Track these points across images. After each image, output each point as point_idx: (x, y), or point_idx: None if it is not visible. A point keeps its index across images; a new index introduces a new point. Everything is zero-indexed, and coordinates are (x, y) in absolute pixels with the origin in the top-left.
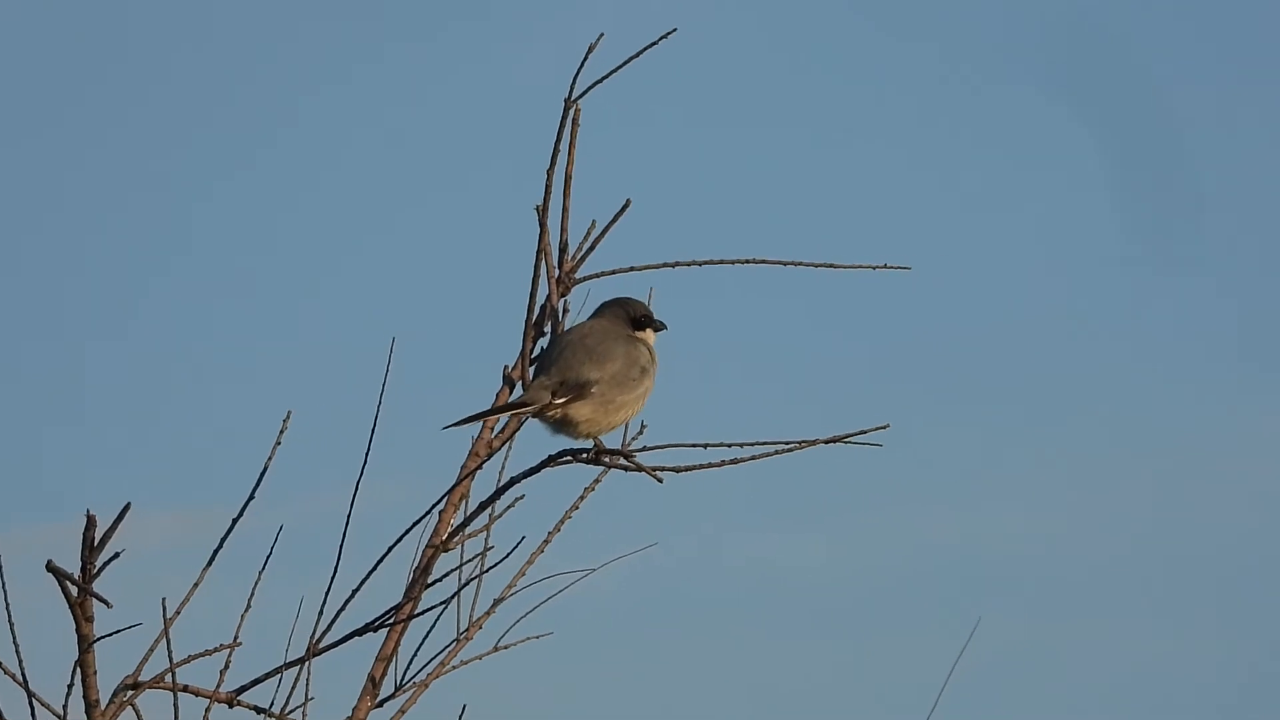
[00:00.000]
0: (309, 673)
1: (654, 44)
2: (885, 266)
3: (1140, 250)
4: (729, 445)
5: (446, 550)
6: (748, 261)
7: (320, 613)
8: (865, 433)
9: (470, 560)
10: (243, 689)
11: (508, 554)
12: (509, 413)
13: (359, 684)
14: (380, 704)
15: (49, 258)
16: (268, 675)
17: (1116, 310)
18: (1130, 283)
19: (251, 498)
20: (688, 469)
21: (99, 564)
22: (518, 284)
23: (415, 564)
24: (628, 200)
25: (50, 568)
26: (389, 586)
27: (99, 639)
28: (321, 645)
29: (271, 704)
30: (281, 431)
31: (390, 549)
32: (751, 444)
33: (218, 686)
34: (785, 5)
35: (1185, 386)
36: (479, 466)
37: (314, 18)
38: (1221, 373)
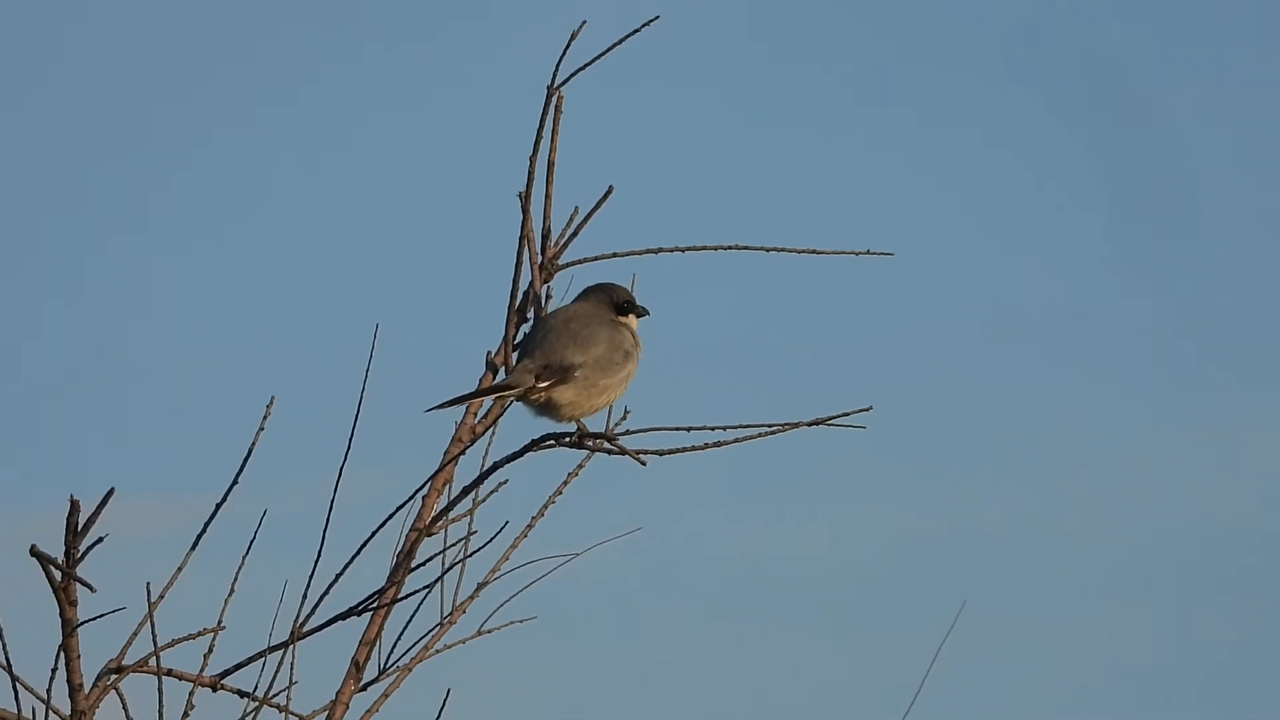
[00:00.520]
0: (293, 657)
1: (636, 31)
2: (868, 253)
3: (1128, 251)
4: (712, 428)
5: (430, 535)
6: (730, 247)
7: (304, 597)
8: (847, 415)
9: (454, 545)
10: (226, 673)
11: (491, 538)
12: (493, 396)
13: (342, 668)
14: (364, 688)
15: (50, 255)
16: (251, 659)
17: (1103, 309)
18: (1119, 281)
19: (235, 483)
20: (671, 452)
21: (83, 548)
22: (500, 270)
23: (399, 549)
24: (610, 187)
25: (34, 552)
26: (372, 571)
27: (83, 623)
28: (305, 630)
29: (255, 688)
30: (265, 417)
31: (374, 533)
32: (735, 427)
33: (201, 670)
34: None
35: (1170, 384)
36: (463, 451)
37: (296, 4)
38: (1204, 372)
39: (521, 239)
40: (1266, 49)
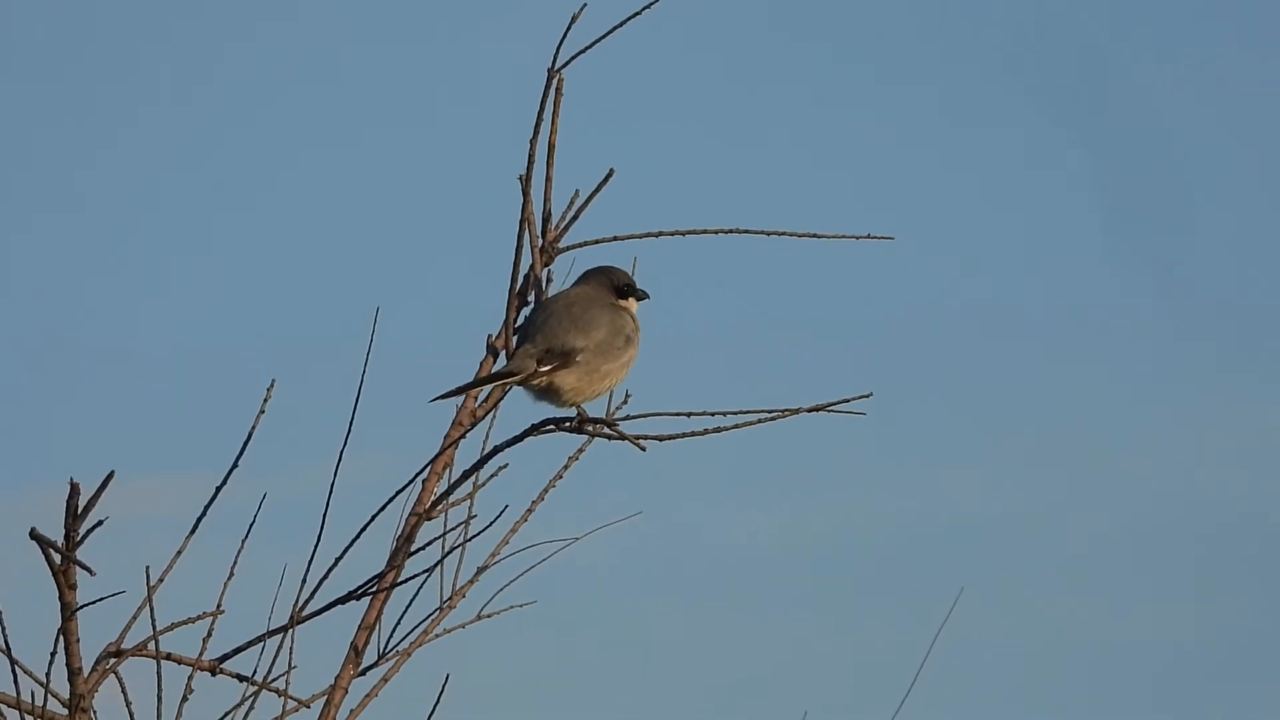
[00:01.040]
0: (292, 641)
1: (637, 14)
2: (869, 237)
3: (1123, 243)
4: (712, 414)
5: (429, 519)
6: (731, 231)
7: (303, 581)
8: (848, 401)
9: (453, 529)
10: (225, 657)
11: (491, 523)
12: (496, 384)
13: (342, 652)
14: (363, 672)
15: (51, 237)
16: (250, 643)
17: (1099, 301)
18: (1114, 273)
19: (235, 466)
20: (671, 437)
21: (82, 532)
22: (501, 253)
23: (398, 533)
24: (611, 170)
25: (34, 535)
26: (372, 555)
27: (82, 607)
28: (304, 614)
29: (254, 672)
30: (265, 400)
31: (374, 517)
32: (735, 412)
33: (200, 654)
34: None
35: (1165, 376)
36: (462, 435)
37: None
38: (1199, 364)
39: (522, 222)
40: (1255, 43)
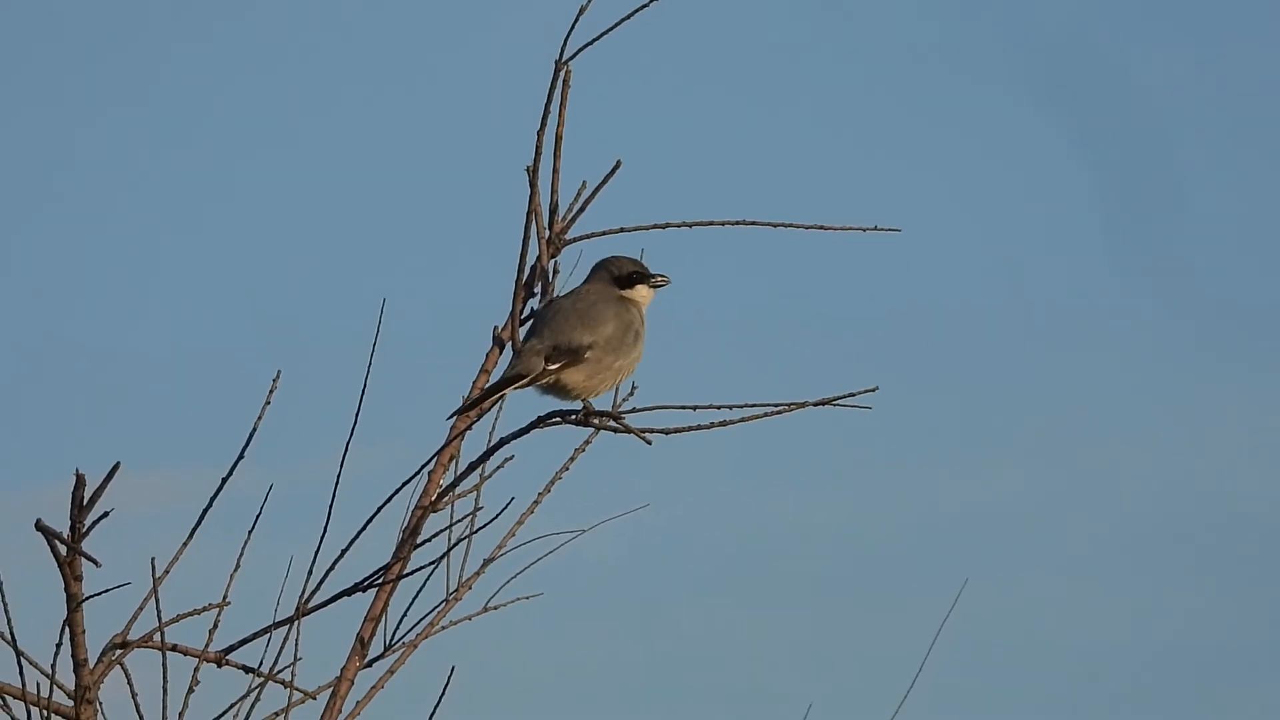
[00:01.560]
0: (298, 633)
1: (645, 5)
2: (876, 229)
3: (1119, 236)
4: (718, 407)
5: (436, 511)
6: (738, 223)
7: (309, 573)
8: (854, 395)
9: (460, 521)
10: (231, 648)
11: (497, 515)
12: (507, 389)
13: (348, 644)
14: (369, 664)
15: (55, 227)
16: (256, 635)
17: (1100, 294)
18: (1113, 263)
19: (241, 458)
20: (677, 431)
21: (88, 523)
22: (508, 245)
23: (404, 524)
24: (618, 161)
25: (39, 526)
26: (378, 547)
27: (88, 598)
28: (310, 605)
29: (260, 664)
30: (271, 392)
31: (380, 509)
32: (741, 406)
33: (206, 646)
34: None
35: (1166, 367)
36: (469, 427)
37: None
38: (1200, 355)
39: (529, 213)
40: (1248, 33)
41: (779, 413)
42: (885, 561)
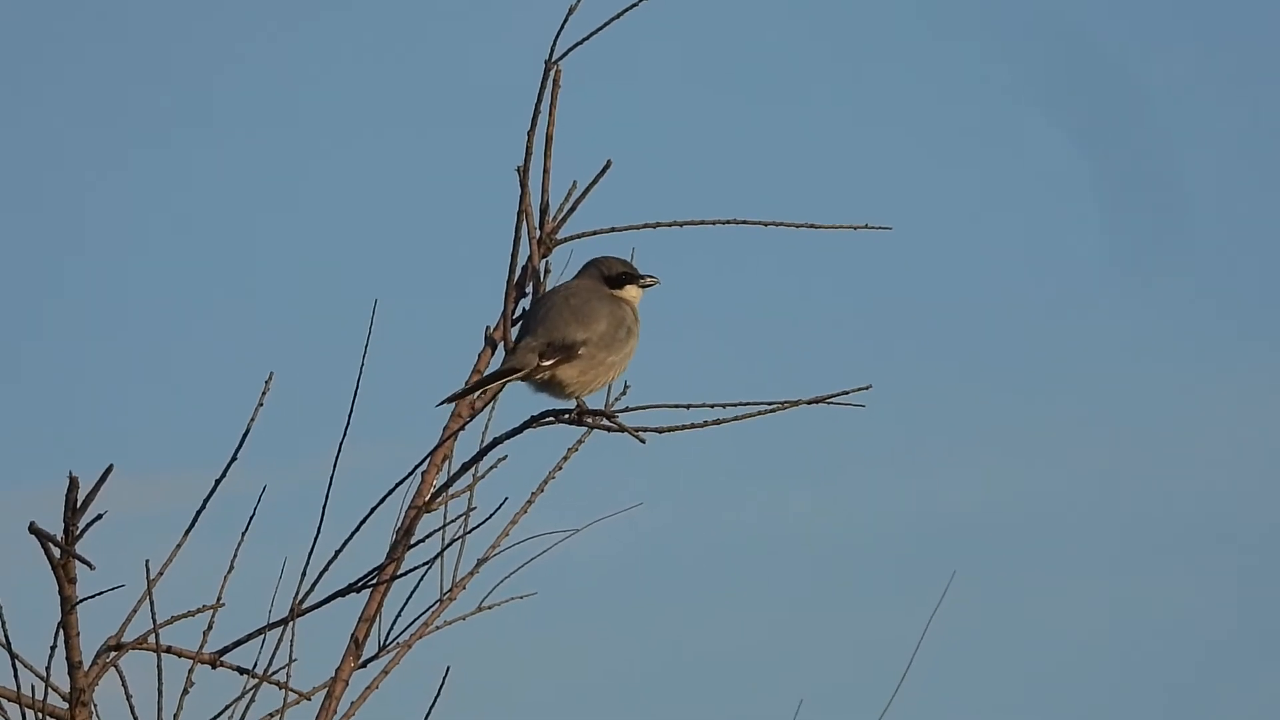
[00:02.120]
0: (292, 634)
1: (635, 4)
2: (866, 227)
3: (1120, 238)
4: (712, 406)
5: (429, 511)
6: (729, 222)
7: (303, 574)
8: (847, 393)
9: (453, 521)
10: (226, 650)
11: (490, 515)
12: (499, 382)
13: (342, 645)
14: (363, 665)
15: (49, 231)
16: (250, 636)
17: (1098, 291)
18: (1113, 261)
19: (234, 459)
20: (670, 430)
21: (82, 525)
22: (499, 245)
23: (398, 525)
24: (608, 161)
25: (33, 529)
26: (372, 548)
27: (82, 600)
28: (304, 606)
29: (255, 665)
30: (264, 393)
31: (373, 510)
32: (734, 404)
33: (200, 647)
34: None
35: (1163, 365)
36: (462, 427)
37: None
38: (1194, 357)
39: (520, 214)
40: (1247, 28)
41: (772, 411)
42: (878, 560)
